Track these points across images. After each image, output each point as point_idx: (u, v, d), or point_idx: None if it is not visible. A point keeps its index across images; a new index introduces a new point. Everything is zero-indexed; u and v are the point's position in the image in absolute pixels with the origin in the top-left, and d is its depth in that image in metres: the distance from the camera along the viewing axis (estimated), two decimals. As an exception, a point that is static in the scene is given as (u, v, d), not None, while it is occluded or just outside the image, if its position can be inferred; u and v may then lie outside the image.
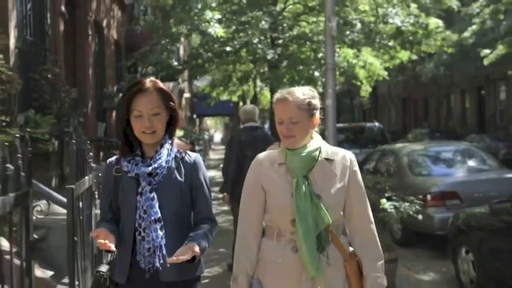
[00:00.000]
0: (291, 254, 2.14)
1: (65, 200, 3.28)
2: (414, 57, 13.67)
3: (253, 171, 2.25)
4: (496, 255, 4.67)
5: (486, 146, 15.40)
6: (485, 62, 14.65)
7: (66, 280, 3.23)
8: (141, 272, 2.14)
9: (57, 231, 3.65)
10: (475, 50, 16.21)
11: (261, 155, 2.28)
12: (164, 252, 2.10)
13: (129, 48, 12.39)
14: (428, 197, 6.62)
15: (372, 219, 2.24)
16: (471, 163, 7.66)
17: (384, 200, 4.97)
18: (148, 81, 2.18)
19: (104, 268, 2.20)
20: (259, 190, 2.21)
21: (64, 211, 3.39)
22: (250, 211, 2.22)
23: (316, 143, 2.22)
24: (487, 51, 14.36)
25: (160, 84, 2.20)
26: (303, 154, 2.17)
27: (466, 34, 15.30)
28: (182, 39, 13.63)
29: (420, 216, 5.21)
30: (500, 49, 14.04)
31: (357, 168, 2.24)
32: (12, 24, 5.83)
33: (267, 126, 28.25)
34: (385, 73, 13.28)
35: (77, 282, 2.89)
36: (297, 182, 2.13)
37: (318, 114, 2.19)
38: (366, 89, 14.67)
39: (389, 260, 4.95)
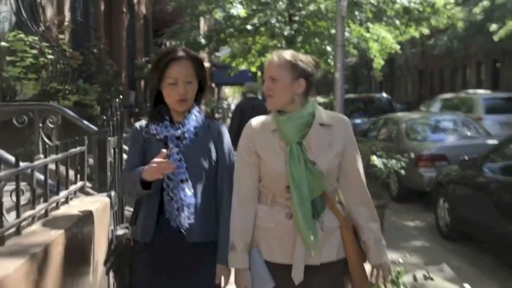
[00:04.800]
0: (285, 220, 2.11)
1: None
2: (426, 31, 14.24)
3: (246, 137, 2.20)
4: (462, 202, 5.73)
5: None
6: (495, 37, 15.26)
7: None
8: (167, 232, 2.16)
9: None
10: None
11: (253, 120, 2.23)
12: (193, 210, 2.13)
13: (156, 22, 13.40)
14: (412, 156, 7.56)
15: (365, 182, 2.21)
16: (462, 131, 8.63)
17: (374, 157, 5.99)
18: (181, 50, 2.20)
19: (120, 231, 2.31)
20: (253, 156, 2.16)
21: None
22: (244, 177, 2.17)
23: (309, 108, 2.15)
24: (495, 26, 14.98)
25: (192, 53, 2.23)
26: (295, 120, 2.11)
27: (476, 10, 15.89)
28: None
29: (403, 172, 6.21)
30: (511, 25, 14.65)
31: (351, 131, 2.20)
32: (67, 7, 6.91)
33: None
34: (398, 47, 13.94)
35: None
36: (291, 148, 2.08)
37: (305, 80, 2.11)
38: (378, 62, 15.42)
39: (378, 205, 6.06)
